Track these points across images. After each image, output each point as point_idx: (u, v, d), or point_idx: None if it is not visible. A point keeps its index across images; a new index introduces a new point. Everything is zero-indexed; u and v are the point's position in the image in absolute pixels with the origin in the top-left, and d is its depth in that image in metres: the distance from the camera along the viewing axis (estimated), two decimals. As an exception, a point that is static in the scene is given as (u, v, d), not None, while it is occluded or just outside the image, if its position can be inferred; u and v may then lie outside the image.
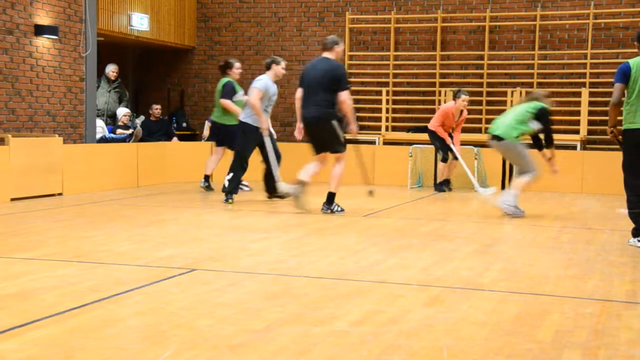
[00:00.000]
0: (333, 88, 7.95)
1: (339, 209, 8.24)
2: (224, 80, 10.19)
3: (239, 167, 9.22)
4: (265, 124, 9.12)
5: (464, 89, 11.49)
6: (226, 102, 10.04)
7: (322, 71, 8.01)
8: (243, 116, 9.25)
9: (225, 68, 10.24)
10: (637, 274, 5.13)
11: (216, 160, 10.61)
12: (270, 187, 9.34)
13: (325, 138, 8.14)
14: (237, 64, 10.29)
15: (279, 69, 9.19)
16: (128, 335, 3.48)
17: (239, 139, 9.27)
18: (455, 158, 11.08)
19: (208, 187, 10.52)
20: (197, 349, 3.27)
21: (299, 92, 8.23)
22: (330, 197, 8.23)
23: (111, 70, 12.65)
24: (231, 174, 9.14)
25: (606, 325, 3.76)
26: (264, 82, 9.07)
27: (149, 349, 3.25)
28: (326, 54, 8.17)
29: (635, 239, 6.30)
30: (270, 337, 3.45)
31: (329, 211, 8.18)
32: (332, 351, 3.27)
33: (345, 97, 7.96)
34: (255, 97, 8.97)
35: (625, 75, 6.24)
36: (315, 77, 8.02)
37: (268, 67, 9.19)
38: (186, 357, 3.16)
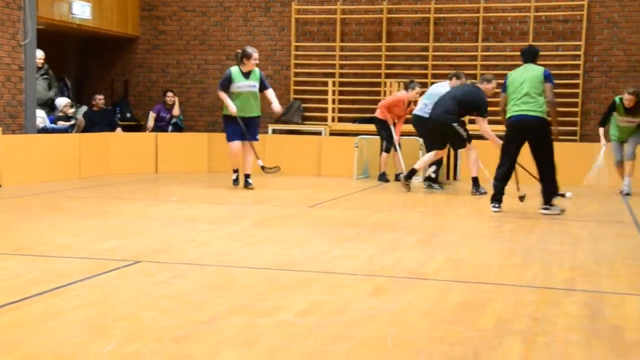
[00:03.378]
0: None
1: (483, 190, 9.44)
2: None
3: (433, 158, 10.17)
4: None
5: (415, 80, 11.62)
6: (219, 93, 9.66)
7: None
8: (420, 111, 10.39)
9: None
10: (575, 261, 5.26)
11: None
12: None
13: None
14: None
15: (456, 82, 10.26)
16: (70, 328, 3.42)
17: (427, 135, 10.23)
18: (396, 149, 11.25)
19: None
20: (140, 341, 3.23)
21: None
22: (474, 181, 9.64)
23: (37, 57, 12.19)
24: (434, 166, 10.37)
25: (545, 313, 3.85)
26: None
27: (92, 342, 3.21)
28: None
29: (491, 205, 7.81)
30: (214, 329, 3.43)
31: (478, 193, 9.52)
32: (277, 342, 3.27)
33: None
34: None
35: (504, 86, 7.90)
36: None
37: (450, 78, 10.51)
38: (129, 349, 3.12)
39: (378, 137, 11.52)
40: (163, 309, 3.76)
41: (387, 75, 13.64)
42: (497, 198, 7.82)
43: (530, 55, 7.82)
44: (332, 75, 13.85)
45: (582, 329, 3.56)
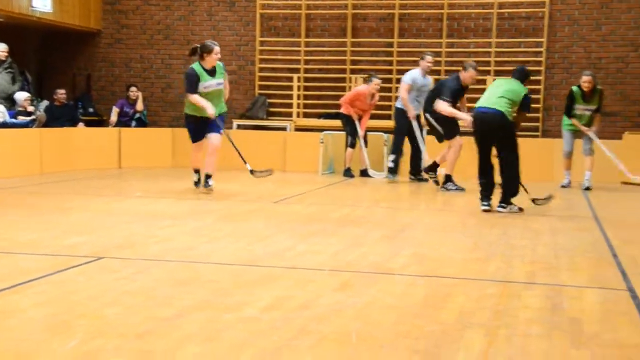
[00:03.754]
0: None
1: (452, 187, 9.49)
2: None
3: (398, 148, 10.61)
4: (412, 112, 10.35)
5: (374, 75, 11.66)
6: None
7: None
8: (397, 103, 10.77)
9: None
10: (536, 255, 5.34)
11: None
12: (416, 168, 10.61)
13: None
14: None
15: (425, 63, 10.50)
16: (30, 326, 3.38)
17: (396, 124, 10.72)
18: (361, 145, 11.27)
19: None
20: (103, 337, 3.21)
21: None
22: (445, 178, 9.61)
23: (0, 50, 11.96)
24: (393, 156, 10.59)
25: (507, 306, 3.90)
26: (411, 76, 10.46)
27: (52, 340, 3.17)
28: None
29: (481, 203, 7.65)
30: (178, 324, 3.42)
31: (444, 189, 9.56)
32: (241, 337, 3.27)
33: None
34: (403, 90, 10.41)
35: None
36: None
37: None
38: (92, 346, 3.10)
39: (343, 132, 11.55)
40: (126, 305, 3.73)
41: (352, 71, 13.68)
42: (484, 194, 7.64)
43: (519, 74, 7.78)
44: (297, 70, 13.84)
45: (542, 321, 3.62)
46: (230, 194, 8.79)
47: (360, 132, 11.24)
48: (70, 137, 11.73)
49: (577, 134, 10.42)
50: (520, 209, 7.63)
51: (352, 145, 11.31)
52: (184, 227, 6.30)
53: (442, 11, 13.39)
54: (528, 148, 11.70)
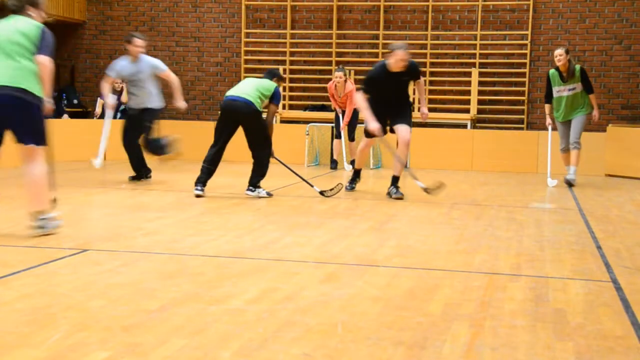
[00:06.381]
0: None
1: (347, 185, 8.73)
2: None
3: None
4: (107, 101, 9.47)
5: (340, 67, 11.54)
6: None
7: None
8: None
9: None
10: (521, 248, 5.37)
11: None
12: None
13: None
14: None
15: (131, 47, 8.88)
16: (15, 318, 3.36)
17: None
18: (339, 137, 11.24)
19: None
20: (88, 330, 3.20)
21: None
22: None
23: None
24: None
25: (492, 297, 3.92)
26: (113, 66, 9.18)
27: (37, 332, 3.16)
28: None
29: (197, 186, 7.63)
30: (165, 317, 3.41)
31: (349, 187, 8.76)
32: (227, 329, 3.27)
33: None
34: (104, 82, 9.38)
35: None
36: None
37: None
38: (77, 338, 3.08)
39: (329, 124, 11.57)
40: (112, 298, 3.72)
41: (338, 63, 13.66)
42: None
43: (271, 75, 7.88)
44: (282, 62, 13.81)
45: (527, 313, 3.64)
46: (216, 186, 8.76)
47: (341, 125, 11.20)
48: (52, 128, 11.62)
49: (568, 123, 9.82)
50: (270, 194, 7.75)
51: (337, 137, 11.32)
52: (171, 219, 6.28)
53: (427, 3, 13.39)
54: (513, 140, 11.79)
